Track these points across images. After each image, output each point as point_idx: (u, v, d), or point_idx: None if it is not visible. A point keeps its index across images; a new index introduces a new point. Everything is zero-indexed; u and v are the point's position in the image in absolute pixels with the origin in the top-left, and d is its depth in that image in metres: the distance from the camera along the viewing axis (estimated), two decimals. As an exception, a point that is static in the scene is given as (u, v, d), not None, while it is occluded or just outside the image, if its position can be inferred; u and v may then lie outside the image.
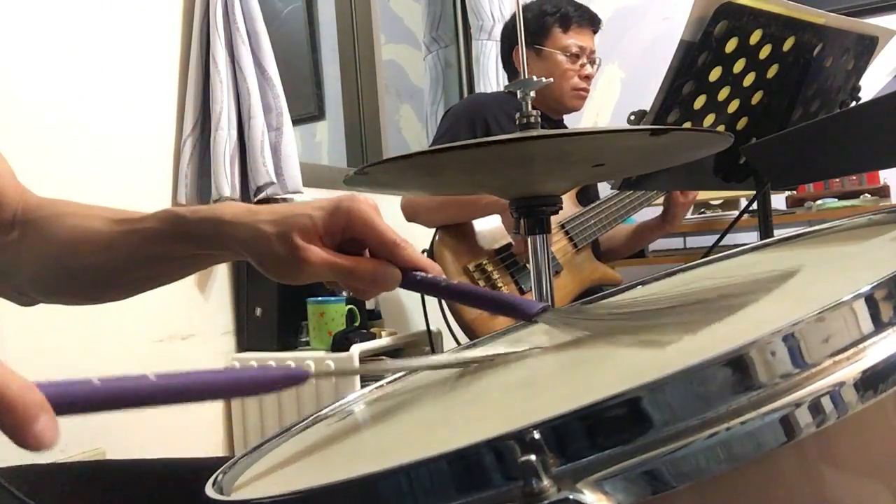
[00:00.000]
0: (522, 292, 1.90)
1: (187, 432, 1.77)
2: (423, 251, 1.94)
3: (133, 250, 0.65)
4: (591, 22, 2.12)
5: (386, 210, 2.37)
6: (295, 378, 0.49)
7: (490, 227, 1.95)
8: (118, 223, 0.67)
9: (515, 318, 0.61)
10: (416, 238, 2.17)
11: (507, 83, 2.27)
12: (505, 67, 2.25)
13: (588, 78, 2.09)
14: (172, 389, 0.43)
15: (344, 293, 1.96)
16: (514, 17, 2.21)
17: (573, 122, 2.59)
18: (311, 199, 2.12)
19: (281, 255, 0.58)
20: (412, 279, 0.60)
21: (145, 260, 0.66)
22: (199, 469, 0.63)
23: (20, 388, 0.35)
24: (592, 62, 2.11)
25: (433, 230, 1.98)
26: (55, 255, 0.69)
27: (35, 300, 0.74)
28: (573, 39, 2.07)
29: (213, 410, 1.90)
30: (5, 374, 0.35)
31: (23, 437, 0.35)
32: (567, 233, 2.01)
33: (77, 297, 0.75)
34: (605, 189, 2.18)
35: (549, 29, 2.05)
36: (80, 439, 1.50)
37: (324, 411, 0.68)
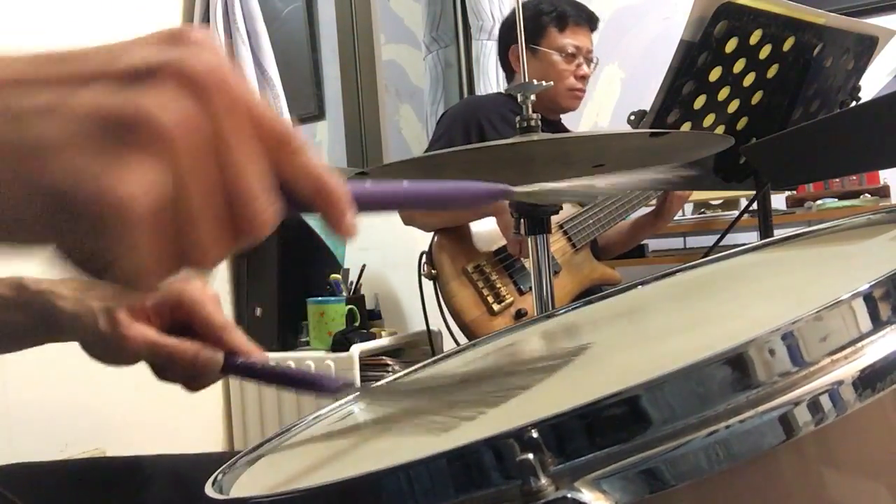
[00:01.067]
0: (521, 293, 1.90)
1: (187, 431, 1.77)
2: (422, 254, 1.94)
3: None
4: (589, 21, 2.11)
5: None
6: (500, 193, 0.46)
7: (488, 229, 1.95)
8: None
9: (318, 396, 0.61)
10: (415, 241, 2.17)
11: (505, 83, 2.27)
12: (502, 68, 2.25)
13: (584, 78, 2.09)
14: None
15: (344, 293, 1.96)
16: (509, 17, 2.21)
17: (573, 121, 2.59)
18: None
19: (102, 332, 0.56)
20: (232, 363, 0.59)
21: None
22: (199, 465, 0.63)
23: (338, 180, 0.34)
24: (589, 62, 2.10)
25: (431, 233, 1.98)
26: None
27: None
28: (569, 39, 2.06)
29: (213, 410, 1.90)
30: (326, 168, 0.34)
31: (340, 224, 0.34)
32: (566, 233, 2.01)
33: None
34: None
35: (545, 28, 2.05)
36: (80, 439, 1.50)
37: (324, 411, 0.68)
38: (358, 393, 0.59)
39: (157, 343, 0.57)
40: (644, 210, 2.17)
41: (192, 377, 0.58)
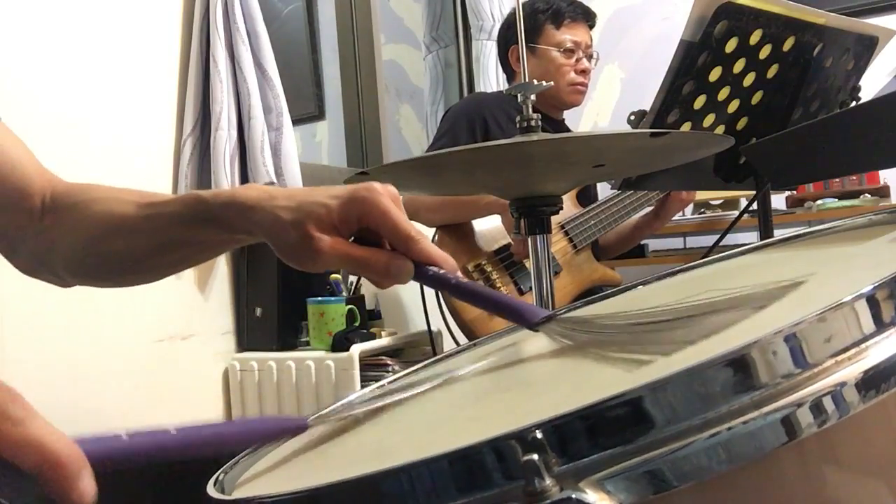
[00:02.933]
0: (521, 293, 1.90)
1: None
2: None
3: (158, 234, 0.66)
4: (585, 16, 2.12)
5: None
6: (295, 428, 0.52)
7: (489, 228, 1.95)
8: (144, 207, 0.68)
9: (518, 323, 0.60)
10: (416, 238, 2.17)
11: (506, 83, 2.27)
12: (503, 69, 2.25)
13: (585, 72, 2.09)
14: (192, 442, 0.45)
15: (344, 293, 1.96)
16: (507, 19, 2.21)
17: (573, 120, 2.59)
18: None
19: (296, 243, 0.58)
20: (424, 273, 0.60)
21: (169, 243, 0.67)
22: (200, 466, 0.63)
23: (66, 445, 0.36)
24: (589, 57, 2.11)
25: (433, 230, 1.98)
26: (85, 241, 0.70)
27: (71, 283, 0.75)
28: (567, 35, 2.07)
29: (213, 410, 1.90)
30: (50, 430, 0.36)
31: (69, 493, 0.35)
32: (567, 233, 2.01)
33: (108, 280, 0.77)
34: (604, 189, 2.18)
35: (541, 26, 2.06)
36: (80, 439, 1.50)
37: (324, 411, 0.68)
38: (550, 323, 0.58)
39: (349, 254, 0.58)
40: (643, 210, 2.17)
41: (382, 283, 0.60)
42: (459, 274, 0.62)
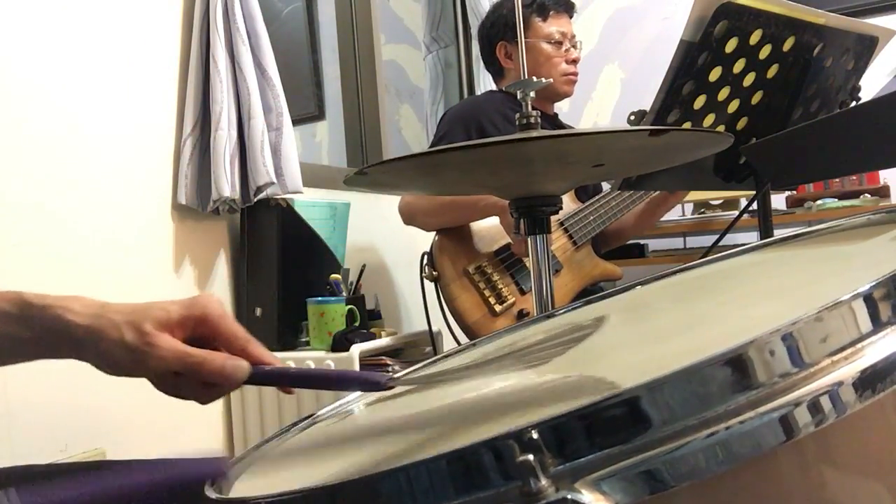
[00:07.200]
0: (523, 292, 1.89)
1: (187, 431, 1.77)
2: (423, 254, 1.94)
3: None
4: (567, 7, 2.14)
5: (386, 210, 2.35)
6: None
7: (489, 229, 1.95)
8: None
9: (368, 391, 0.66)
10: (415, 241, 2.17)
11: (494, 83, 2.27)
12: (487, 67, 2.25)
13: (575, 62, 2.11)
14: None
15: (344, 293, 1.96)
16: (488, 17, 2.22)
17: (574, 120, 2.59)
18: (310, 200, 2.10)
19: (129, 343, 0.57)
20: (261, 371, 0.60)
21: None
22: (199, 469, 0.63)
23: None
24: (575, 46, 2.12)
25: (432, 234, 1.98)
26: None
27: None
28: (554, 27, 2.09)
29: (213, 410, 1.90)
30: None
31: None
32: (566, 230, 2.00)
33: None
34: (603, 184, 2.17)
35: (528, 20, 2.08)
36: (81, 440, 1.50)
37: (323, 411, 0.68)
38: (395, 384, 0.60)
39: (186, 352, 0.58)
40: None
41: (209, 388, 0.60)
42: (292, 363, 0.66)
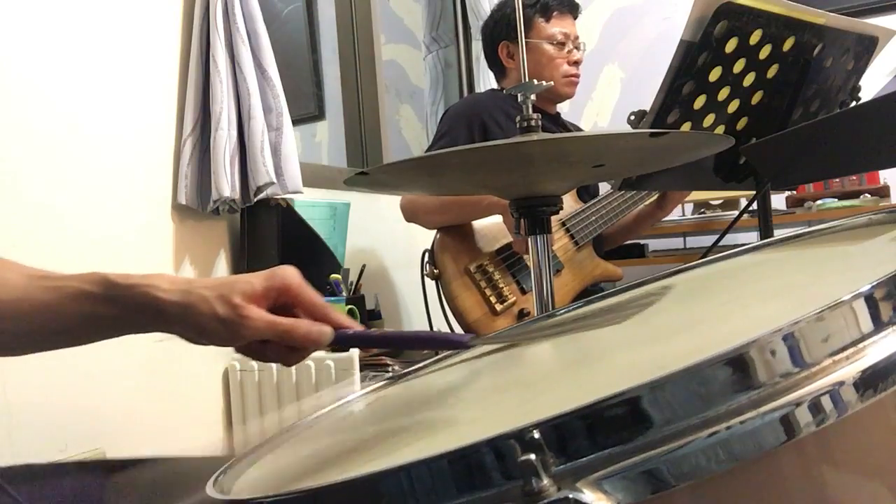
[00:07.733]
0: (524, 292, 1.89)
1: (187, 431, 1.77)
2: (425, 252, 1.94)
3: (50, 306, 0.65)
4: (571, 8, 2.13)
5: (386, 210, 2.35)
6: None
7: (490, 228, 1.95)
8: (35, 278, 0.67)
9: (451, 349, 0.69)
10: (415, 240, 2.17)
11: (496, 81, 2.27)
12: (490, 66, 2.25)
13: (577, 63, 2.10)
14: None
15: (344, 293, 1.96)
16: (491, 16, 2.21)
17: (573, 120, 2.59)
18: (310, 200, 2.09)
19: (222, 315, 0.61)
20: (343, 335, 0.65)
21: (61, 317, 0.66)
22: (200, 468, 0.63)
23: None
24: (578, 47, 2.11)
25: (433, 232, 1.98)
26: None
27: None
28: (557, 27, 2.08)
29: (213, 410, 1.90)
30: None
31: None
32: (568, 230, 2.00)
33: None
34: (604, 184, 2.17)
35: (531, 20, 2.07)
36: (81, 440, 1.49)
37: (323, 411, 0.68)
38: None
39: (275, 321, 0.62)
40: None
41: (294, 352, 0.64)
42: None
